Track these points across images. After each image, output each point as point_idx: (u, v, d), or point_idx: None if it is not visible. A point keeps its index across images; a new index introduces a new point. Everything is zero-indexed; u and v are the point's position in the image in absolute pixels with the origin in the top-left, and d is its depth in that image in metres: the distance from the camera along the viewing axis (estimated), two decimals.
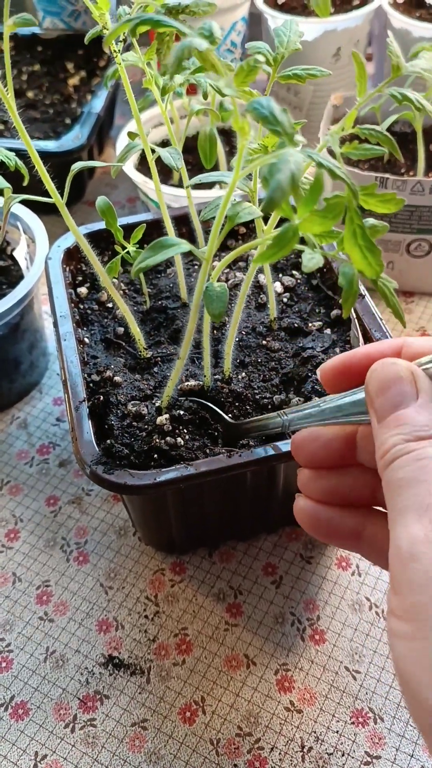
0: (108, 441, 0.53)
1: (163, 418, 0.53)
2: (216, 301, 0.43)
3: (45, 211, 0.70)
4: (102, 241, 0.70)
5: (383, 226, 0.41)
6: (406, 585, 0.30)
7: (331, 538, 0.42)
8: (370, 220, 0.38)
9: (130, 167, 0.87)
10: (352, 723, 0.55)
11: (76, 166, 0.50)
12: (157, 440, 0.52)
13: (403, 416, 0.34)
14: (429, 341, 0.38)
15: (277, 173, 0.29)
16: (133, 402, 0.56)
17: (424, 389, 0.35)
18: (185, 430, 0.54)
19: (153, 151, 0.57)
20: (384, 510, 0.41)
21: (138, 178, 0.85)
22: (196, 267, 0.70)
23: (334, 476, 0.42)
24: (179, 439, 0.53)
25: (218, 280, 0.69)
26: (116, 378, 0.58)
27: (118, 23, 0.35)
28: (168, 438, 0.52)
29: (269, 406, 0.57)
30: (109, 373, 0.58)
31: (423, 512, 0.31)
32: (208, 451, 0.52)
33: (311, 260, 0.39)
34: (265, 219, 0.57)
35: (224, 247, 0.73)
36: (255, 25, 1.16)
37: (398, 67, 0.49)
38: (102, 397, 0.56)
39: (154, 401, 0.56)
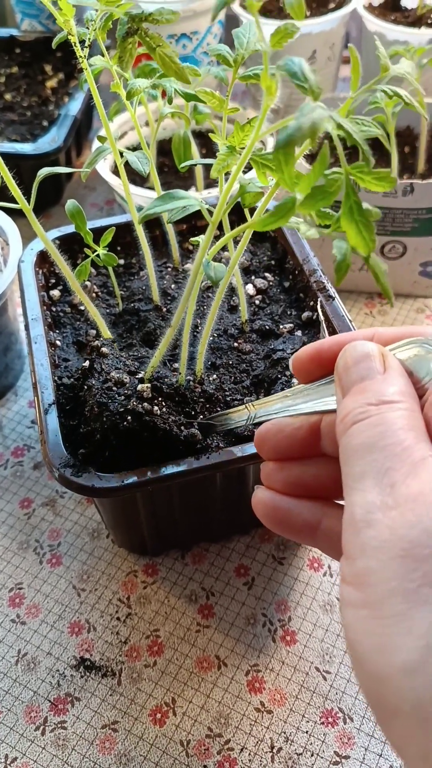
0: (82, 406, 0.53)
1: (144, 386, 0.53)
2: (216, 269, 0.44)
3: (21, 213, 0.70)
4: (76, 244, 0.70)
5: (376, 211, 0.42)
6: (358, 550, 0.30)
7: (287, 529, 0.41)
8: (364, 204, 0.39)
9: (105, 170, 0.87)
10: (322, 723, 0.55)
11: (42, 172, 0.50)
12: (135, 403, 0.52)
13: (366, 385, 0.34)
14: (399, 330, 0.38)
15: (300, 117, 0.30)
16: (116, 369, 0.56)
17: (392, 366, 0.35)
18: (164, 403, 0.53)
19: (122, 154, 0.57)
20: (342, 503, 0.41)
21: (113, 181, 0.85)
22: (168, 269, 0.70)
23: (298, 467, 0.42)
24: (156, 408, 0.52)
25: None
26: (103, 349, 0.58)
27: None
28: (145, 404, 0.52)
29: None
30: (96, 343, 0.59)
31: (381, 478, 0.30)
32: (183, 428, 0.52)
33: (308, 231, 0.42)
34: (251, 211, 0.58)
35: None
36: (232, 29, 1.16)
37: (386, 67, 0.50)
38: (88, 363, 0.56)
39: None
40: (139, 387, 0.53)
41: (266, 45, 0.37)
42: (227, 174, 0.48)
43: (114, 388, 0.54)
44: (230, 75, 0.71)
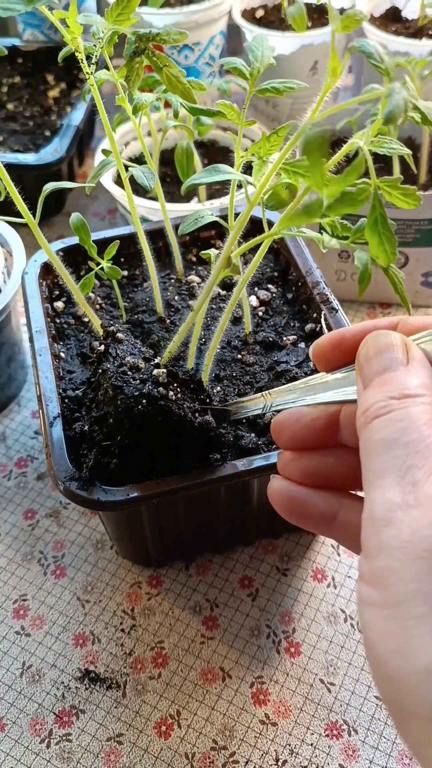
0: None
1: (160, 371, 0.52)
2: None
3: (25, 223, 0.70)
4: (79, 255, 0.70)
5: (392, 223, 0.42)
6: (377, 549, 0.29)
7: (303, 520, 0.40)
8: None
9: (108, 181, 0.87)
10: (327, 735, 0.55)
11: (48, 187, 0.50)
12: (150, 387, 0.51)
13: (389, 377, 0.33)
14: (426, 319, 0.38)
15: (394, 94, 0.34)
16: (132, 355, 0.55)
17: (416, 357, 0.34)
18: (179, 389, 0.53)
19: (127, 168, 0.57)
20: (360, 494, 0.40)
21: (116, 191, 0.86)
22: (172, 281, 0.71)
23: (316, 457, 0.41)
24: (171, 393, 0.51)
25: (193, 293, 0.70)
26: (119, 335, 0.58)
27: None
28: (161, 389, 0.51)
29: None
30: (112, 328, 0.58)
31: (402, 475, 0.30)
32: (197, 414, 0.52)
33: (330, 242, 0.44)
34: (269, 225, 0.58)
35: (201, 261, 0.73)
36: (234, 39, 1.16)
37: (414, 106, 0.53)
38: (103, 348, 0.56)
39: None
40: (155, 372, 0.53)
41: (336, 33, 0.40)
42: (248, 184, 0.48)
43: (129, 373, 0.53)
44: (234, 87, 0.71)
